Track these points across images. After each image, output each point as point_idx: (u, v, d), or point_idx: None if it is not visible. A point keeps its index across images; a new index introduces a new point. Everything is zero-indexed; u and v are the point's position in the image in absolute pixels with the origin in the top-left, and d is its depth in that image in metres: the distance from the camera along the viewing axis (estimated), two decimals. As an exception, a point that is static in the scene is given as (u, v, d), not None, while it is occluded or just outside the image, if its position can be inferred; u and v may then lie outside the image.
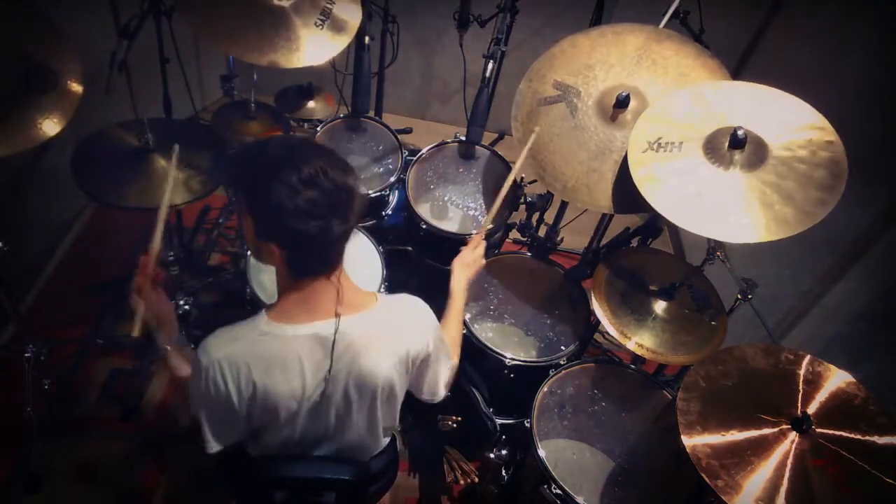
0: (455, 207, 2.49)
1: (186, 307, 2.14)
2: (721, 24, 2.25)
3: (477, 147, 2.46)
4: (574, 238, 2.58)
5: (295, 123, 2.66)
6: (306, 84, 2.56)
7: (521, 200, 2.25)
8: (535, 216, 2.36)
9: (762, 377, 1.53)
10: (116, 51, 1.82)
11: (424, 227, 2.23)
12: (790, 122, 1.67)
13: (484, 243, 1.76)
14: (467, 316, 2.08)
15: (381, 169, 2.50)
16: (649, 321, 1.91)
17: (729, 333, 1.90)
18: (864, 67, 2.26)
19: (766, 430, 1.42)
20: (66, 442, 2.19)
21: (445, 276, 1.68)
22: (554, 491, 1.69)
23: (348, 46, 2.07)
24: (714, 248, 1.90)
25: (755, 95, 1.76)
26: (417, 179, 2.42)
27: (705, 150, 1.70)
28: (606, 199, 1.90)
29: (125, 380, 2.40)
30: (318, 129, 2.42)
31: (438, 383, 1.51)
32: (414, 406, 1.58)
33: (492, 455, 2.02)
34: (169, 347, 1.38)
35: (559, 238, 2.37)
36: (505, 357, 2.01)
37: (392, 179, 2.34)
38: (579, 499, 1.67)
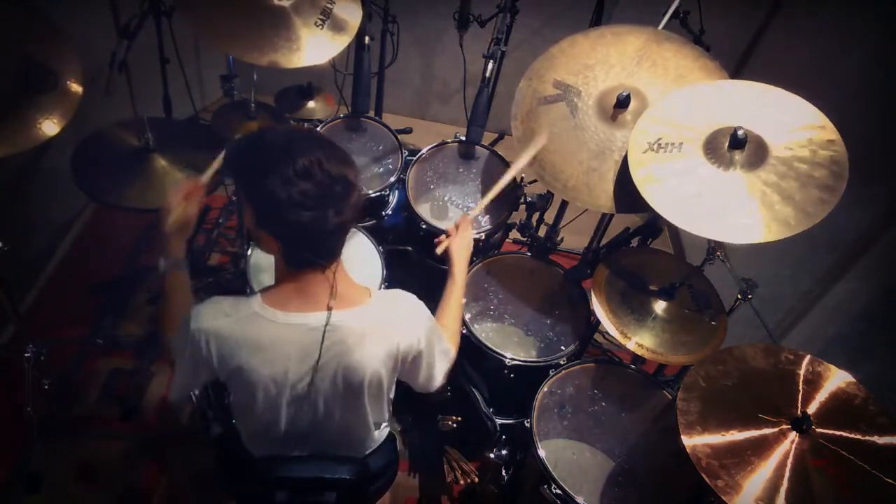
0: (455, 207, 2.49)
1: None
2: (721, 24, 2.25)
3: (477, 147, 2.46)
4: (574, 238, 2.58)
5: (295, 123, 2.66)
6: (306, 84, 2.56)
7: (521, 200, 2.25)
8: (535, 216, 2.36)
9: (762, 377, 1.53)
10: (116, 51, 1.82)
11: (424, 227, 2.23)
12: (790, 122, 1.67)
13: (471, 223, 1.79)
14: (467, 316, 2.08)
15: (381, 169, 2.50)
16: (649, 321, 1.91)
17: (729, 333, 1.90)
18: (864, 67, 2.26)
19: (766, 430, 1.42)
20: (66, 442, 2.19)
21: (445, 276, 1.68)
22: (554, 491, 1.69)
23: (348, 46, 2.07)
24: (714, 248, 1.90)
25: (755, 95, 1.76)
26: (417, 179, 2.42)
27: (705, 151, 1.70)
28: (606, 198, 1.90)
29: (125, 380, 2.40)
30: (318, 129, 2.42)
31: (433, 376, 1.51)
32: (414, 406, 1.58)
33: (492, 455, 2.02)
34: (164, 265, 1.45)
35: (559, 238, 2.37)
36: (505, 357, 2.01)
37: (392, 179, 2.34)
38: (579, 499, 1.67)
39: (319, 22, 1.99)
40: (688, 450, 1.39)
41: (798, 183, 1.59)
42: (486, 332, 2.27)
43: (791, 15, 2.76)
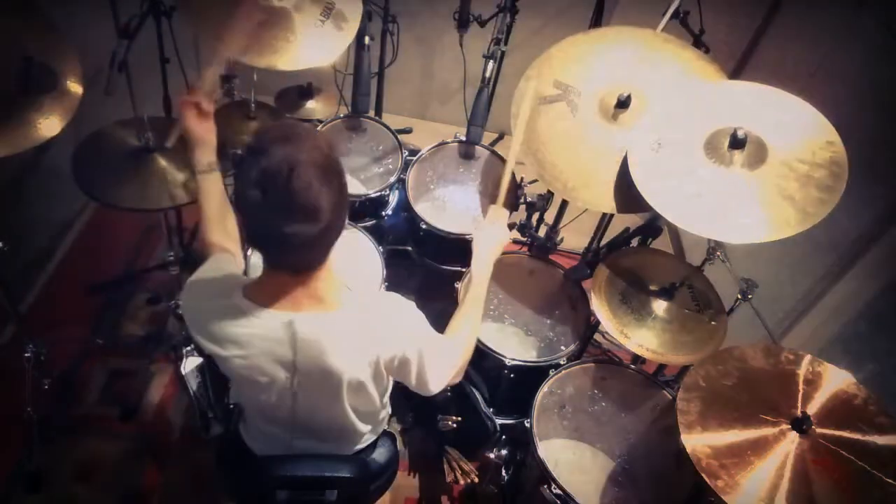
0: (455, 207, 2.49)
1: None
2: (721, 24, 2.25)
3: (477, 147, 2.46)
4: (574, 238, 2.58)
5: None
6: (306, 84, 2.56)
7: (521, 200, 2.25)
8: (535, 216, 2.36)
9: (762, 377, 1.53)
10: (116, 51, 1.82)
11: (424, 227, 2.23)
12: (790, 122, 1.67)
13: (505, 216, 1.69)
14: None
15: (381, 169, 2.50)
16: (649, 321, 1.91)
17: (729, 333, 1.90)
18: (864, 67, 2.26)
19: (766, 430, 1.42)
20: (66, 442, 2.19)
21: (445, 277, 1.67)
22: (554, 491, 1.69)
23: (348, 46, 2.07)
24: (714, 248, 1.90)
25: (755, 95, 1.76)
26: (417, 179, 2.42)
27: (705, 151, 1.70)
28: (607, 198, 1.90)
29: (125, 380, 2.40)
30: (319, 129, 2.42)
31: (426, 382, 1.43)
32: (414, 406, 1.58)
33: (492, 455, 2.02)
34: (199, 168, 1.50)
35: (559, 238, 2.36)
36: (505, 357, 2.00)
37: (392, 179, 2.34)
38: (579, 499, 1.67)
39: (320, 22, 1.99)
40: (688, 450, 1.39)
41: (798, 183, 1.59)
42: (486, 333, 2.26)
43: (791, 15, 2.76)
